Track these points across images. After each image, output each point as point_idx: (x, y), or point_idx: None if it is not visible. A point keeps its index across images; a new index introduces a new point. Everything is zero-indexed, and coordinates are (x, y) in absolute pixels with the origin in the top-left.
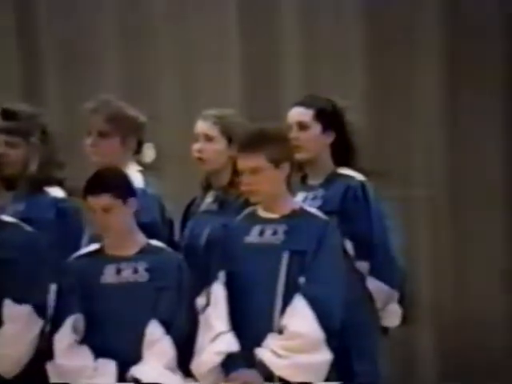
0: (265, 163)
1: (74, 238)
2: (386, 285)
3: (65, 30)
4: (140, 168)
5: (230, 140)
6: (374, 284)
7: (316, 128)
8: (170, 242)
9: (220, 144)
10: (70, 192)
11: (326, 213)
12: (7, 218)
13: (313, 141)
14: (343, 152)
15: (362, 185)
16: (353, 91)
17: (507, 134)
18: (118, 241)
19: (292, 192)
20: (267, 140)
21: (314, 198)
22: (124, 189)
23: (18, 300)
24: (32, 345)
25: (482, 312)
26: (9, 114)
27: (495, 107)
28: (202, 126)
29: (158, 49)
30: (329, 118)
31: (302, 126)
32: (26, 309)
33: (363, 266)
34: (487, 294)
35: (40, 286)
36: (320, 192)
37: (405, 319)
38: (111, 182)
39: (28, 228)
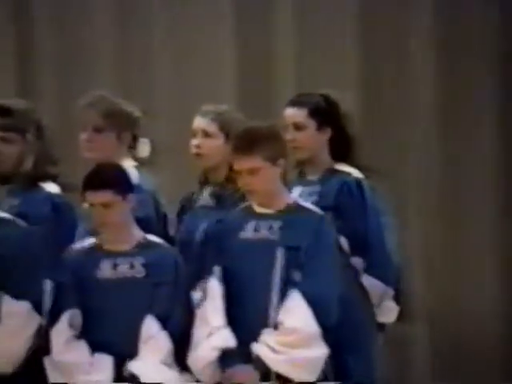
0: (261, 163)
1: (69, 234)
2: (381, 282)
3: (60, 26)
4: (135, 163)
5: (227, 136)
6: (368, 281)
7: (311, 126)
8: (164, 236)
9: (218, 140)
10: (63, 187)
11: (322, 208)
12: (1, 214)
13: (310, 140)
14: (341, 146)
15: (358, 181)
16: (346, 86)
17: (502, 132)
18: (115, 236)
19: (287, 186)
20: (261, 139)
21: (311, 194)
22: (124, 185)
23: (17, 296)
24: (30, 341)
25: (475, 309)
26: (4, 110)
27: (490, 105)
28: (200, 122)
29: (153, 43)
30: (323, 114)
31: (298, 127)
32: (24, 305)
33: (358, 262)
34: (480, 291)
35: (37, 282)
36: (316, 187)
37: (401, 316)
38: (112, 178)
39: (22, 224)
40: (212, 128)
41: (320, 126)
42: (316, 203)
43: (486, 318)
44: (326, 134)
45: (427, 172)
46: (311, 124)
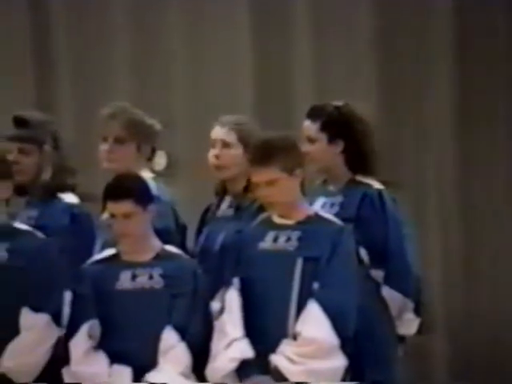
0: (279, 173)
1: (88, 244)
2: (400, 294)
3: (78, 37)
4: (153, 175)
5: (246, 146)
6: (388, 293)
7: (322, 140)
8: (183, 247)
9: (237, 150)
10: (82, 198)
11: (343, 220)
12: (20, 226)
13: (321, 153)
14: (356, 159)
15: (379, 193)
16: (363, 97)
17: None
18: (135, 247)
19: (306, 197)
20: (277, 150)
21: (333, 205)
22: (145, 195)
23: (36, 308)
24: (48, 353)
25: (495, 321)
26: (21, 122)
27: (508, 119)
28: (219, 132)
29: (170, 54)
30: (335, 127)
31: (310, 140)
32: (43, 317)
33: (378, 274)
34: (500, 303)
35: (56, 294)
36: (338, 198)
37: (421, 328)
38: (133, 189)
39: (41, 235)
40: (231, 138)
41: (331, 139)
42: (338, 214)
43: (505, 329)
44: (338, 146)
45: (446, 184)
46: (322, 137)
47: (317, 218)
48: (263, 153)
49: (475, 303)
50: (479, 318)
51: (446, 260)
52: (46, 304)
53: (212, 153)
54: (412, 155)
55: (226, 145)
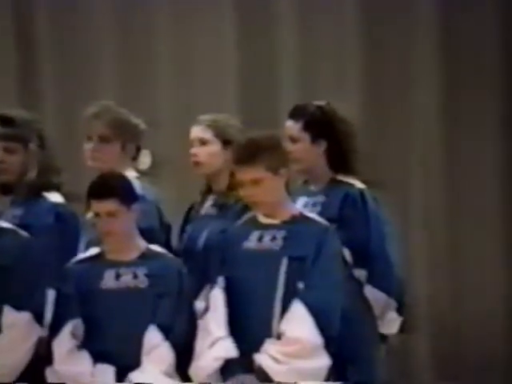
0: (264, 173)
1: (73, 243)
2: (383, 293)
3: (62, 36)
4: (137, 174)
5: (224, 142)
6: (371, 292)
7: (305, 140)
8: (167, 247)
9: (214, 146)
10: (67, 197)
11: (326, 219)
12: (3, 224)
13: (304, 152)
14: (338, 158)
15: (361, 192)
16: (350, 96)
17: (505, 143)
18: (119, 246)
19: (291, 196)
20: (262, 149)
21: (315, 204)
22: (129, 194)
23: (18, 307)
24: (30, 352)
25: (478, 320)
26: (6, 120)
27: (494, 119)
28: (196, 130)
29: (156, 56)
30: (318, 127)
31: (293, 139)
32: (25, 316)
33: (361, 273)
34: (484, 302)
35: (38, 293)
36: (320, 198)
37: (403, 327)
38: (117, 187)
39: (24, 234)
40: (207, 135)
41: (314, 139)
42: (320, 214)
43: (489, 328)
44: (321, 146)
45: (433, 183)
46: (305, 137)
47: (302, 217)
48: (248, 152)
49: (461, 302)
50: (465, 316)
51: (432, 258)
52: (27, 302)
53: (191, 151)
54: (398, 154)
55: (203, 142)
